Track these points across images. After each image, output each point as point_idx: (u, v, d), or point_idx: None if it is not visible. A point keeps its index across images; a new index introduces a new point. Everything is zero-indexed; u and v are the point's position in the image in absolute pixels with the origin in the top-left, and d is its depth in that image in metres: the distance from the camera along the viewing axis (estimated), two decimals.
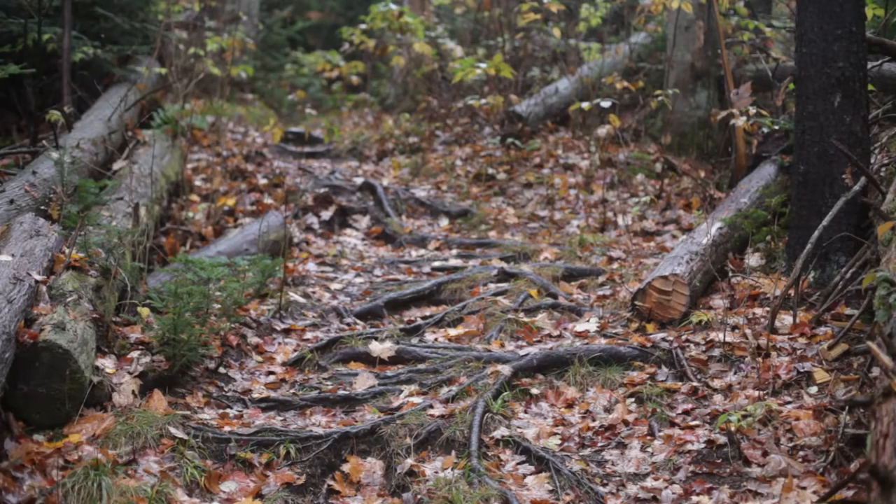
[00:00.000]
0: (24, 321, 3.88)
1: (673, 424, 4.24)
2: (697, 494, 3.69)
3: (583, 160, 8.78)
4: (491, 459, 4.05)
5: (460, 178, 8.73)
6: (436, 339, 5.38)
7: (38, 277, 4.19)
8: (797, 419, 3.96)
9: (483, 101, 9.09)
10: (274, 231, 6.67)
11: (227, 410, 4.48)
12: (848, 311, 4.77)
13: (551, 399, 4.61)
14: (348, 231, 7.67)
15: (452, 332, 5.42)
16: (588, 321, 5.35)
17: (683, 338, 4.92)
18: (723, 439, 3.98)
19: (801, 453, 3.79)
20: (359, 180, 8.43)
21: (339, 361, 5.12)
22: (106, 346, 4.46)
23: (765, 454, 3.83)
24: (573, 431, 4.32)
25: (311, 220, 7.73)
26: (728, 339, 4.73)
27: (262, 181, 8.30)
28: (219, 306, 4.91)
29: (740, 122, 6.77)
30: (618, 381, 4.65)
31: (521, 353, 4.93)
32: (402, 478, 3.96)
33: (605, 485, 3.88)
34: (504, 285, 5.97)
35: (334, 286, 6.39)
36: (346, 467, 4.05)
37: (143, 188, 6.30)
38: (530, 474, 3.96)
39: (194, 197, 7.60)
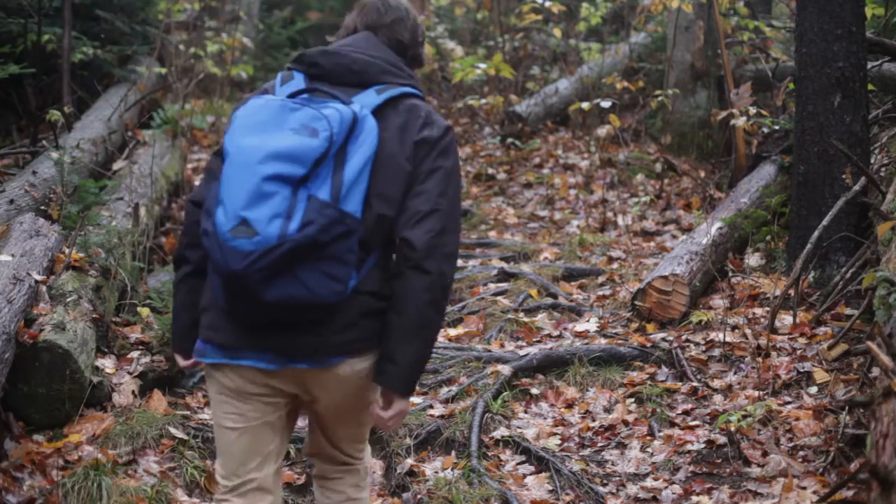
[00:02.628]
0: (24, 321, 3.88)
1: (673, 424, 4.24)
2: (697, 494, 3.69)
3: (583, 160, 8.78)
4: (491, 459, 4.05)
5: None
6: None
7: (38, 277, 4.19)
8: (797, 419, 3.96)
9: (483, 101, 9.09)
10: None
11: None
12: (848, 311, 4.76)
13: (551, 399, 4.61)
14: None
15: (452, 332, 5.42)
16: (588, 321, 5.35)
17: (683, 338, 4.92)
18: (723, 439, 3.98)
19: (801, 453, 3.78)
20: None
21: None
22: (106, 346, 4.46)
23: (765, 454, 3.83)
24: (573, 431, 4.32)
25: None
26: (728, 339, 4.73)
27: None
28: None
29: (740, 122, 6.77)
30: (618, 381, 4.65)
31: (521, 353, 4.93)
32: (402, 478, 3.95)
33: (605, 485, 3.88)
34: (504, 285, 5.97)
35: None
36: None
37: (143, 188, 6.30)
38: (530, 474, 3.96)
39: None
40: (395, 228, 2.53)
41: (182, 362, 2.75)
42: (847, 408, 3.85)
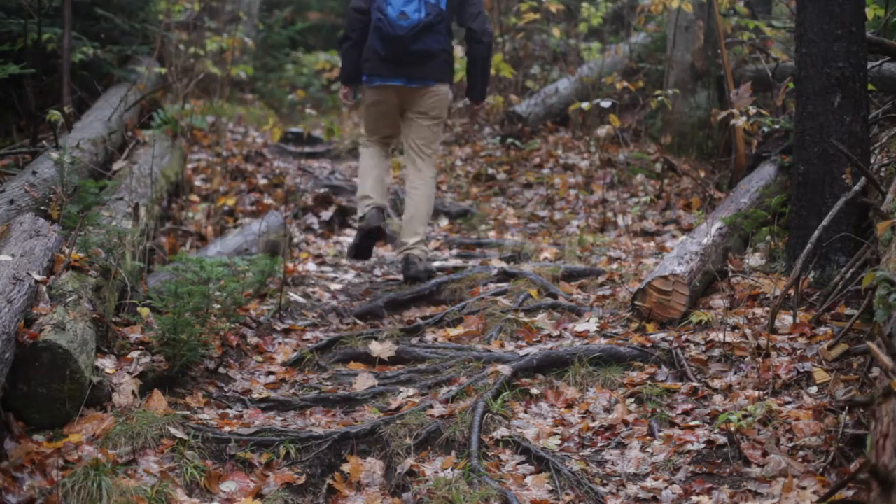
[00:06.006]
0: (24, 321, 3.88)
1: (673, 424, 4.24)
2: (697, 494, 3.69)
3: (583, 160, 8.78)
4: (491, 459, 4.05)
5: (460, 178, 8.73)
6: (436, 339, 5.38)
7: (38, 277, 4.19)
8: (797, 419, 3.96)
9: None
10: (274, 231, 6.68)
11: (227, 410, 4.49)
12: (848, 311, 4.76)
13: (551, 399, 4.61)
14: (348, 231, 7.67)
15: (452, 332, 5.42)
16: (588, 321, 5.35)
17: (683, 338, 4.92)
18: (723, 439, 3.98)
19: (801, 453, 3.79)
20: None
21: (339, 361, 5.12)
22: (106, 346, 4.46)
23: (765, 454, 3.83)
24: (573, 431, 4.32)
25: (311, 220, 7.73)
26: (728, 339, 4.73)
27: (262, 181, 8.30)
28: (219, 306, 4.92)
29: (740, 122, 6.77)
30: (618, 381, 4.65)
31: (521, 353, 4.93)
32: (402, 478, 3.96)
33: (605, 485, 3.88)
34: (504, 285, 5.97)
35: (334, 286, 6.39)
36: (346, 467, 4.05)
37: (143, 188, 6.30)
38: (530, 474, 3.96)
39: (194, 197, 7.60)
40: (460, 22, 5.86)
41: (345, 91, 6.15)
42: (847, 408, 3.85)
